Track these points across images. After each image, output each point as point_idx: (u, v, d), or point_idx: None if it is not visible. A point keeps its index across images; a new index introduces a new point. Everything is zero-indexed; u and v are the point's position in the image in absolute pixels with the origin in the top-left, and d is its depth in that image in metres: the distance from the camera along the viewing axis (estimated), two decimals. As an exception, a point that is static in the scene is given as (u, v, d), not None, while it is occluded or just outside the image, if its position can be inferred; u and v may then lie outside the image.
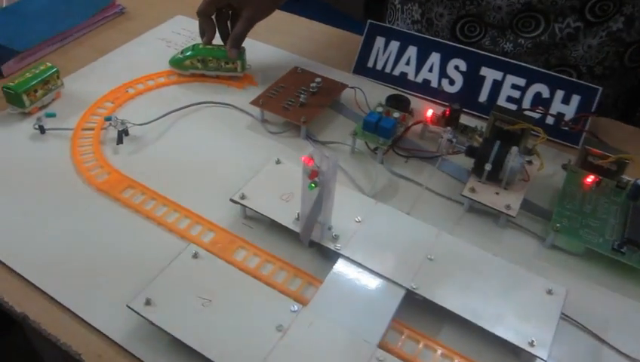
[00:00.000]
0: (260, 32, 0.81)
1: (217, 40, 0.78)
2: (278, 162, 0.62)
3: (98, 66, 0.81)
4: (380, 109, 0.68)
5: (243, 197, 0.58)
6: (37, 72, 0.71)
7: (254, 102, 0.71)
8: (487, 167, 0.59)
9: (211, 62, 0.77)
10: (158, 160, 0.66)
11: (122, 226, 0.58)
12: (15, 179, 0.63)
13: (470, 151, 0.62)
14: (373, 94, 0.74)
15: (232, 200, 0.58)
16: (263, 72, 0.80)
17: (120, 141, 0.66)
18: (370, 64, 0.80)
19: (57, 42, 0.85)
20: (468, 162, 0.64)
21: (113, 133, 0.67)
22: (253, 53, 0.80)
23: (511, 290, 0.51)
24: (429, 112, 0.69)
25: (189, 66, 0.77)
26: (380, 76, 0.80)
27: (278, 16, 0.85)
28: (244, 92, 0.77)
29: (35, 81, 0.70)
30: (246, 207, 0.57)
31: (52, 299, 0.51)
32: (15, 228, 0.57)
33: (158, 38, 0.88)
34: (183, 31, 0.89)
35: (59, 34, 0.85)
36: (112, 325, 0.49)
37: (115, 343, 0.48)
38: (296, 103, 0.70)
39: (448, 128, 0.63)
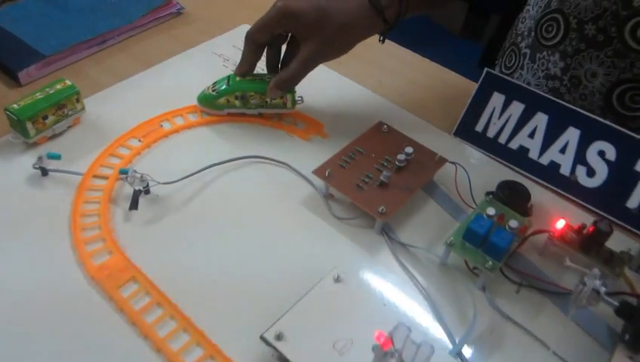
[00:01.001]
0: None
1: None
2: (337, 279, 0.44)
3: (134, 84, 0.65)
4: (490, 211, 0.48)
5: (279, 336, 0.40)
6: (51, 92, 0.56)
7: (318, 173, 0.52)
8: (650, 343, 0.39)
9: (253, 98, 0.59)
10: (179, 240, 0.49)
11: (104, 342, 0.42)
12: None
13: (624, 312, 0.41)
14: (480, 173, 0.55)
15: (262, 339, 0.40)
16: (335, 117, 0.62)
17: (134, 205, 0.50)
18: (479, 127, 0.60)
19: (94, 46, 0.69)
20: (615, 317, 0.43)
21: (130, 189, 0.51)
22: (322, 84, 0.61)
23: None
24: (560, 223, 0.49)
25: (224, 105, 0.60)
26: (490, 146, 0.59)
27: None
28: (308, 146, 0.59)
29: (46, 105, 0.55)
30: (281, 353, 0.40)
31: None
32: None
33: (215, 52, 0.70)
34: (246, 46, 0.71)
35: (98, 35, 0.69)
36: None
37: None
38: (374, 181, 0.52)
39: (595, 271, 0.42)
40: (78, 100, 0.57)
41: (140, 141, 0.57)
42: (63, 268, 0.46)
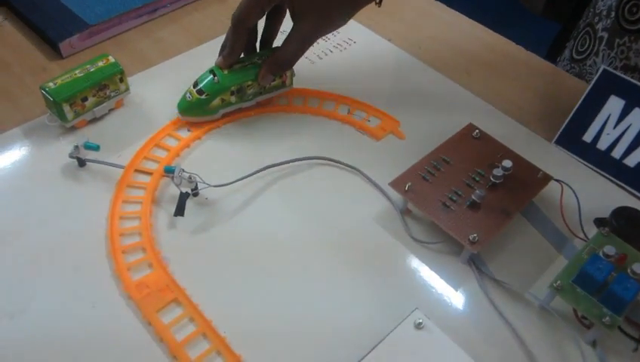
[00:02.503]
0: (409, 32, 0.53)
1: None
2: (418, 326, 0.36)
3: (186, 61, 0.57)
4: (609, 250, 0.39)
5: (348, 398, 0.32)
6: (92, 70, 0.49)
7: (397, 186, 0.44)
8: None
9: (251, 88, 0.50)
10: (231, 256, 0.42)
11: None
12: (21, 224, 0.42)
13: None
14: (588, 193, 0.45)
15: (327, 399, 0.33)
16: (415, 116, 0.53)
17: (180, 211, 0.43)
18: (587, 137, 0.50)
19: (143, 15, 0.62)
20: None
21: (176, 190, 0.44)
22: (399, 73, 0.52)
23: None
24: (697, 269, 0.39)
25: (219, 106, 0.50)
26: (600, 162, 0.49)
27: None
28: (381, 147, 0.50)
29: (86, 85, 0.48)
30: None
31: None
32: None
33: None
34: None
35: (148, 3, 0.61)
36: None
37: None
38: (464, 200, 0.43)
39: None
40: (121, 80, 0.50)
41: (189, 131, 0.50)
42: (97, 279, 0.40)
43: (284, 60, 0.49)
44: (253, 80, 0.49)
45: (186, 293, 0.39)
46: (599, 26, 0.60)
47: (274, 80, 0.51)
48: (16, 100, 0.53)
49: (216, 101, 0.49)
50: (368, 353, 0.34)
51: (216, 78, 0.49)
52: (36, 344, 0.36)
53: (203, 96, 0.49)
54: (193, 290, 0.39)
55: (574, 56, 0.66)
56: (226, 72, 0.49)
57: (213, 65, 0.49)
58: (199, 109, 0.49)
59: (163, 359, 0.36)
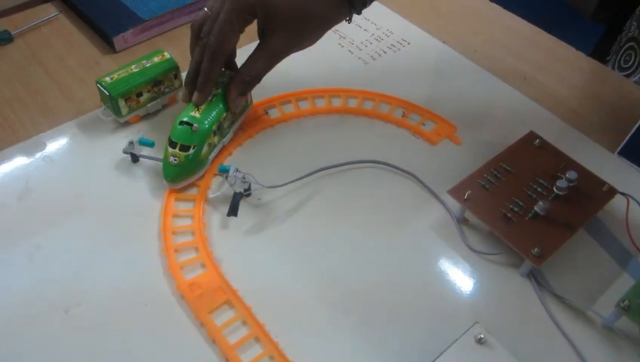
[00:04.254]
0: (464, 34, 0.51)
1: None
2: (479, 341, 0.35)
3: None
4: (682, 270, 0.37)
5: (407, 413, 0.31)
6: (147, 65, 0.49)
7: (455, 194, 0.42)
8: None
9: (225, 121, 0.46)
10: (284, 257, 0.41)
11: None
12: (75, 224, 0.42)
13: None
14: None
15: (385, 413, 0.32)
16: (472, 122, 0.51)
17: (233, 211, 0.42)
18: (655, 149, 0.48)
19: (196, 10, 0.62)
20: None
21: (229, 191, 0.44)
22: (455, 78, 0.52)
23: None
24: None
25: (207, 153, 0.45)
26: (668, 175, 0.47)
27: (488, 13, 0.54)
28: (437, 152, 0.49)
29: (141, 81, 0.48)
30: None
31: None
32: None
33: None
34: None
35: (201, -1, 0.61)
36: None
37: None
38: (525, 211, 0.41)
39: None
40: (176, 76, 0.50)
41: (241, 130, 0.50)
42: (150, 276, 0.40)
43: (253, 77, 0.46)
44: (226, 111, 0.46)
45: (238, 295, 0.38)
46: None
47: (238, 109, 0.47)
48: (70, 93, 0.53)
49: (205, 149, 0.45)
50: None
51: (194, 126, 0.43)
52: (88, 338, 0.36)
53: (191, 151, 0.44)
54: (245, 292, 0.39)
55: (617, 72, 0.64)
56: (197, 114, 0.44)
57: (182, 114, 0.44)
58: (192, 167, 0.44)
59: (215, 360, 0.36)
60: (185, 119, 0.44)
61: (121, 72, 0.48)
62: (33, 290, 0.39)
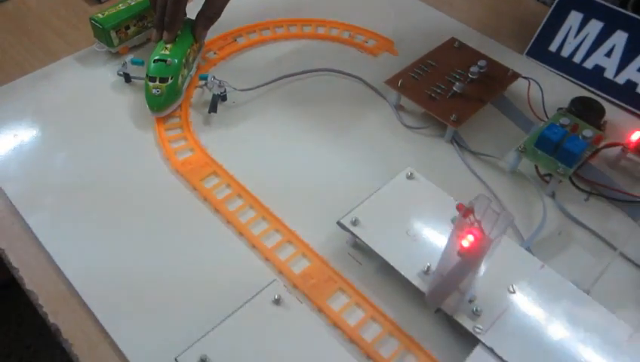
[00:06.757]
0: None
1: None
2: (410, 176, 0.45)
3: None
4: (564, 121, 0.48)
5: (355, 222, 0.42)
6: (132, 3, 0.58)
7: (390, 83, 0.53)
8: None
9: (190, 55, 0.54)
10: (256, 142, 0.51)
11: (191, 226, 0.45)
12: (85, 132, 0.51)
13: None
14: (553, 91, 0.54)
15: (339, 224, 0.42)
16: (406, 38, 0.62)
17: (213, 109, 0.52)
18: (553, 47, 0.59)
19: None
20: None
21: (208, 96, 0.53)
22: (392, 4, 0.61)
23: None
24: (635, 135, 0.48)
25: (182, 84, 0.53)
26: (564, 66, 0.58)
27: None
28: (378, 61, 0.60)
29: (128, 16, 0.57)
30: (357, 237, 0.42)
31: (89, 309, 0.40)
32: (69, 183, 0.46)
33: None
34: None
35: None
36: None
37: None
38: (446, 92, 0.52)
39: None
40: (157, 13, 0.60)
41: (215, 53, 0.59)
42: (150, 161, 0.49)
43: (215, 11, 0.54)
44: (191, 44, 0.54)
45: (223, 168, 0.48)
46: None
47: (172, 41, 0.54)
48: (66, 36, 0.62)
49: (180, 80, 0.52)
50: (374, 193, 0.43)
51: (168, 60, 0.51)
52: (106, 205, 0.46)
53: (170, 82, 0.51)
54: (227, 165, 0.48)
55: None
56: (167, 52, 0.52)
57: (153, 53, 0.52)
58: (173, 96, 0.52)
59: (206, 212, 0.45)
60: (157, 57, 0.52)
61: (110, 9, 0.57)
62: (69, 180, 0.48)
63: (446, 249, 0.34)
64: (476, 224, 0.32)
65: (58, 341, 0.39)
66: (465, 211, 0.32)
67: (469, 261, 0.33)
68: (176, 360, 0.35)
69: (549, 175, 0.47)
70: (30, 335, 1.03)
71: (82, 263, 0.42)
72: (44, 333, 1.03)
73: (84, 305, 0.40)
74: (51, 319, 0.40)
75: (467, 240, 0.31)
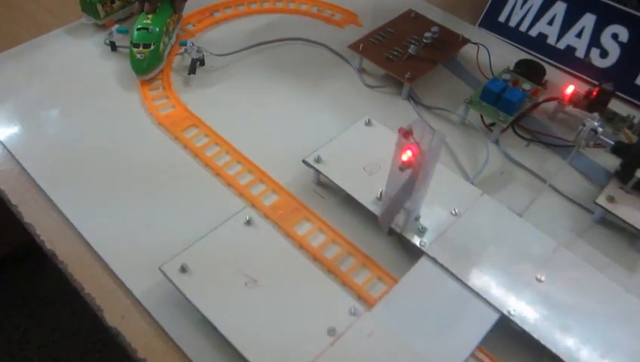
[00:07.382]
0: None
1: None
2: (368, 123, 0.51)
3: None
4: (506, 76, 0.55)
5: (318, 160, 0.47)
6: (118, -21, 0.63)
7: (353, 47, 0.59)
8: (639, 173, 0.45)
9: (170, 25, 0.60)
10: (231, 100, 0.57)
11: (175, 170, 0.50)
12: (76, 94, 0.56)
13: (618, 149, 0.47)
14: (501, 56, 0.60)
15: (304, 162, 0.48)
16: (369, 11, 0.68)
17: (192, 71, 0.58)
18: (501, 18, 0.65)
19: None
20: (611, 161, 0.50)
21: (188, 61, 0.59)
22: None
23: (648, 348, 0.38)
24: (570, 89, 0.54)
25: (164, 50, 0.58)
26: (511, 35, 0.65)
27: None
28: (343, 32, 0.65)
29: (114, -11, 0.62)
30: (320, 172, 0.47)
31: (84, 238, 0.45)
32: (65, 142, 0.51)
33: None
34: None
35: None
36: (142, 285, 0.42)
37: (141, 305, 0.41)
38: (403, 55, 0.58)
39: (595, 115, 0.48)
40: (141, -11, 0.65)
41: (193, 26, 0.65)
42: (136, 117, 0.54)
43: None
44: (170, 15, 0.59)
45: (201, 120, 0.54)
46: None
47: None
48: (55, 12, 0.67)
49: (161, 47, 0.57)
50: (336, 137, 0.49)
51: (150, 28, 0.56)
52: (99, 160, 0.51)
53: (152, 47, 0.56)
54: (205, 119, 0.54)
55: None
56: (149, 21, 0.57)
57: (136, 23, 0.57)
58: (155, 60, 0.57)
59: (187, 158, 0.51)
60: (140, 26, 0.57)
61: (97, -16, 0.63)
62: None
63: (391, 170, 0.40)
64: (415, 140, 0.37)
65: (54, 263, 0.44)
66: (405, 132, 0.37)
67: (411, 177, 0.39)
68: (160, 269, 0.40)
69: (494, 124, 0.53)
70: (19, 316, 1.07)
71: (71, 195, 0.47)
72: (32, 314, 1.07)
73: (80, 236, 0.45)
74: (48, 245, 0.45)
75: (406, 155, 0.37)
